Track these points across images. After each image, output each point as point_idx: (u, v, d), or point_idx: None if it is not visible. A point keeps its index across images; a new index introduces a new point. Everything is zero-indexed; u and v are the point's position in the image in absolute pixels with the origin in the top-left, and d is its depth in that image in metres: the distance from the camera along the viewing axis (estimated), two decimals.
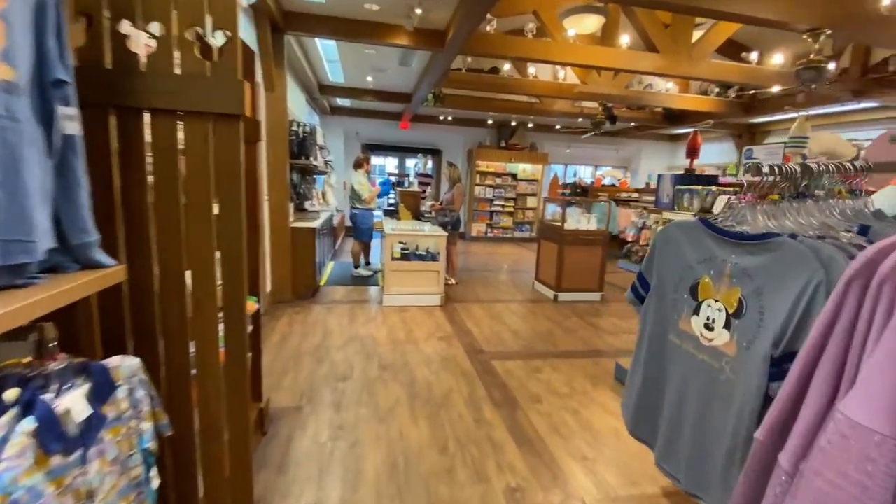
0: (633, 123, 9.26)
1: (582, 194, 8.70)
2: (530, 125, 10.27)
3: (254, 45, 3.97)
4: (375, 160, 11.42)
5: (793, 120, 8.00)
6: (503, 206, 10.56)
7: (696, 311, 1.02)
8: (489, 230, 10.57)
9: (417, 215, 6.02)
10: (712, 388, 0.95)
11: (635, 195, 9.17)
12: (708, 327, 0.98)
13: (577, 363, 3.43)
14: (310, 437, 2.32)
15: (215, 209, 1.36)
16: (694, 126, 9.03)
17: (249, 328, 2.08)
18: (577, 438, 2.42)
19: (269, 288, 4.52)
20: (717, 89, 7.43)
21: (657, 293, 1.13)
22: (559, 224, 5.22)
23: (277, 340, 3.57)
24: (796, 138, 2.32)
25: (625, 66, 4.99)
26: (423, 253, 4.81)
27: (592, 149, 11.66)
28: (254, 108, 2.09)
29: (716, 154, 10.58)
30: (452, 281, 5.74)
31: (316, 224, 4.89)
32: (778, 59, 5.47)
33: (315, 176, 6.65)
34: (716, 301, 0.96)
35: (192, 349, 1.43)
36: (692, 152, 2.97)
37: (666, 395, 1.08)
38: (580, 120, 9.06)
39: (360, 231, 5.85)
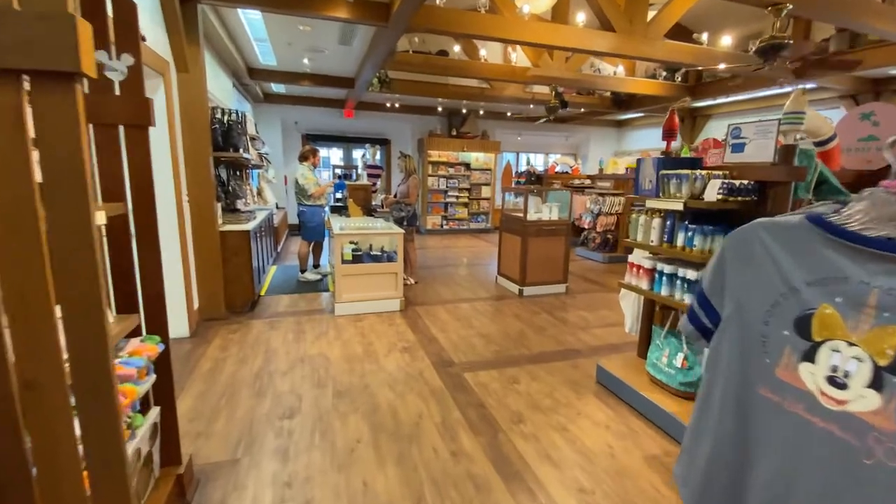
0: (582, 109, 9.19)
1: (536, 182, 8.52)
2: (481, 112, 9.95)
3: (157, 16, 3.27)
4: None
5: (734, 103, 8.18)
6: (458, 196, 10.21)
7: (810, 357, 0.69)
8: (445, 222, 10.19)
9: (369, 211, 5.51)
10: (850, 473, 0.63)
11: (588, 182, 9.14)
12: (836, 383, 0.66)
13: (556, 367, 3.15)
14: (249, 501, 1.84)
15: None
16: (641, 110, 9.11)
17: (150, 380, 1.55)
18: (570, 465, 2.11)
19: (196, 304, 3.87)
20: (664, 73, 7.46)
21: (735, 325, 0.79)
22: (521, 215, 4.93)
23: (208, 370, 2.98)
24: (792, 114, 2.10)
25: (580, 45, 4.74)
26: (378, 253, 4.33)
27: (543, 136, 11.58)
28: (139, 79, 1.54)
29: (658, 139, 10.83)
30: (411, 281, 5.31)
31: (251, 226, 4.26)
32: (726, 40, 5.47)
33: (249, 171, 5.91)
34: (850, 345, 0.64)
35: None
36: (669, 133, 2.72)
37: (755, 472, 0.76)
38: (531, 106, 8.86)
39: (308, 230, 5.25)
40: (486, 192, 10.52)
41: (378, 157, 8.38)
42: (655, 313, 2.92)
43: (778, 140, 2.14)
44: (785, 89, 6.75)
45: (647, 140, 11.23)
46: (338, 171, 7.47)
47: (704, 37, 5.47)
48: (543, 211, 5.01)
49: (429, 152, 9.70)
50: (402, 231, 4.44)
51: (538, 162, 12.01)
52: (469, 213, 10.42)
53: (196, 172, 3.82)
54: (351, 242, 4.29)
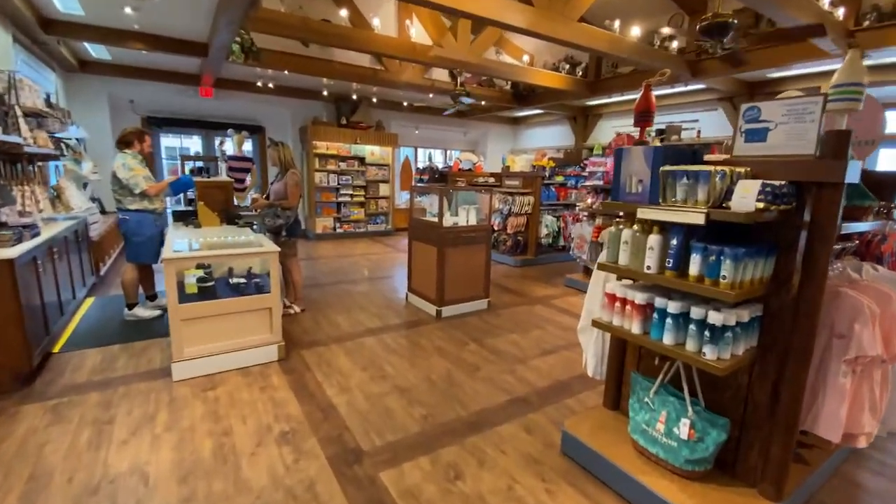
0: (483, 102, 8.64)
1: (441, 180, 7.74)
2: (374, 100, 8.83)
3: None
4: (170, 142, 8.48)
5: (624, 103, 8.23)
6: (352, 195, 8.96)
7: None
8: (338, 225, 8.87)
9: (231, 218, 4.10)
10: None
11: (491, 179, 8.65)
12: None
13: (505, 435, 2.30)
14: None
15: None
16: (540, 106, 8.86)
17: None
18: None
19: None
20: (567, 66, 7.21)
21: None
22: (435, 221, 4.04)
23: None
24: (848, 86, 1.52)
25: (494, 15, 3.96)
26: (241, 281, 3.05)
27: (441, 131, 10.88)
28: None
29: (552, 137, 10.90)
30: (296, 309, 4.07)
31: (19, 250, 2.65)
32: (635, 31, 5.23)
33: (37, 164, 4.02)
34: None
35: None
36: (645, 116, 2.04)
37: None
38: (431, 95, 8.04)
39: (134, 246, 3.68)
40: (384, 189, 9.45)
41: (248, 147, 6.73)
42: (630, 354, 2.24)
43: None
44: (676, 88, 6.94)
45: (543, 138, 11.24)
46: (191, 164, 5.69)
47: (616, 24, 5.15)
48: (460, 215, 4.18)
49: (314, 143, 8.28)
50: (279, 247, 3.21)
51: (437, 158, 11.31)
52: (366, 213, 9.25)
53: None
54: (199, 267, 2.94)
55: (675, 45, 5.65)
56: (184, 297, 2.76)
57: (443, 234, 3.93)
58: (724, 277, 1.49)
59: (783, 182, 1.50)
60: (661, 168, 1.65)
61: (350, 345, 3.40)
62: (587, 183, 5.25)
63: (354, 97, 8.37)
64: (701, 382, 1.88)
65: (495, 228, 7.08)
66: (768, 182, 1.45)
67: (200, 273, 2.88)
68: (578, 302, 4.76)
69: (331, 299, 4.57)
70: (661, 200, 1.68)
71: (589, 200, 5.18)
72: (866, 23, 4.19)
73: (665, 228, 1.69)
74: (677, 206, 1.61)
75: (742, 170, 1.61)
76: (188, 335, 2.76)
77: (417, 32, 5.75)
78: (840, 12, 4.14)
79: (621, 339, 2.23)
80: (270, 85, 7.61)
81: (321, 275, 5.66)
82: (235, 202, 4.67)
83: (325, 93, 8.02)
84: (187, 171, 4.77)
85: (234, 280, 3.01)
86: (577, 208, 7.46)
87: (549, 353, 3.38)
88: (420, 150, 11.05)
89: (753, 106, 1.68)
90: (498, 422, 2.42)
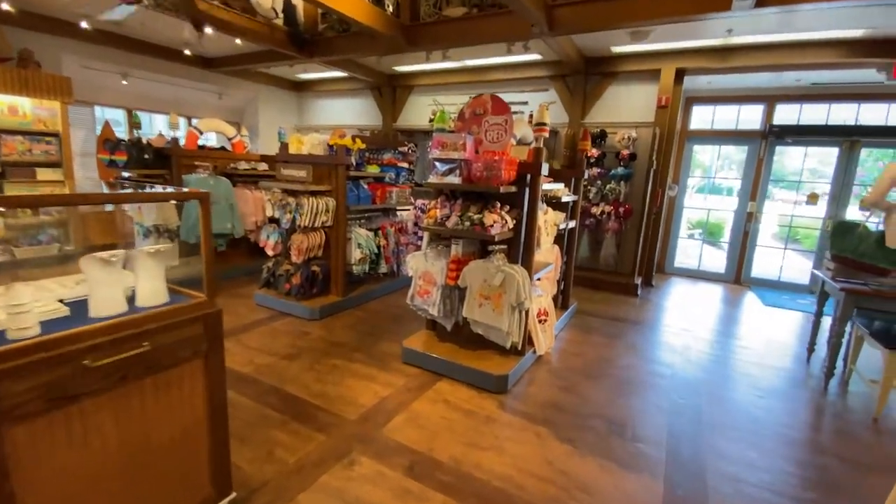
0: (238, 41, 5.35)
1: (156, 164, 4.24)
2: (7, 7, 4.43)
3: None
4: None
5: (440, 74, 4.74)
6: None
7: None
8: None
9: None
10: None
11: (263, 166, 5.52)
12: None
13: None
14: None
15: None
16: (331, 61, 6.05)
17: None
18: None
19: None
20: None
21: None
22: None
23: None
24: None
25: None
26: None
27: (177, 87, 6.91)
28: None
29: (353, 113, 8.32)
30: None
31: None
32: None
33: None
34: None
35: None
36: None
37: None
38: (133, 9, 4.34)
39: None
40: (50, 177, 5.13)
41: None
42: None
43: None
44: (514, 56, 5.27)
45: (339, 114, 8.53)
46: None
47: None
48: (100, 285, 1.23)
49: None
50: None
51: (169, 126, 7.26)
52: (8, 227, 4.81)
53: None
54: None
55: None
56: None
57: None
58: None
59: None
60: None
61: None
62: (431, 179, 2.92)
63: None
64: None
65: (270, 252, 4.12)
66: None
67: None
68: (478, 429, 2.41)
69: None
70: None
71: (438, 212, 2.87)
72: None
73: None
74: None
75: None
76: None
77: None
78: None
79: None
80: None
81: None
82: None
83: None
84: None
85: None
86: (398, 217, 5.16)
87: None
88: (145, 117, 6.83)
89: None
90: None
